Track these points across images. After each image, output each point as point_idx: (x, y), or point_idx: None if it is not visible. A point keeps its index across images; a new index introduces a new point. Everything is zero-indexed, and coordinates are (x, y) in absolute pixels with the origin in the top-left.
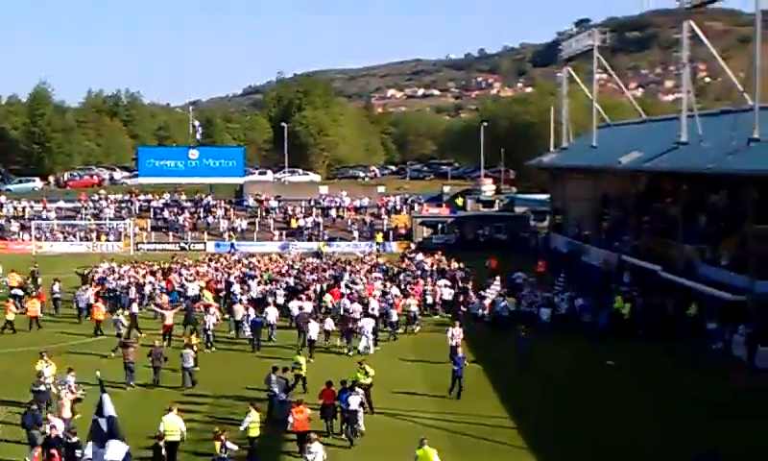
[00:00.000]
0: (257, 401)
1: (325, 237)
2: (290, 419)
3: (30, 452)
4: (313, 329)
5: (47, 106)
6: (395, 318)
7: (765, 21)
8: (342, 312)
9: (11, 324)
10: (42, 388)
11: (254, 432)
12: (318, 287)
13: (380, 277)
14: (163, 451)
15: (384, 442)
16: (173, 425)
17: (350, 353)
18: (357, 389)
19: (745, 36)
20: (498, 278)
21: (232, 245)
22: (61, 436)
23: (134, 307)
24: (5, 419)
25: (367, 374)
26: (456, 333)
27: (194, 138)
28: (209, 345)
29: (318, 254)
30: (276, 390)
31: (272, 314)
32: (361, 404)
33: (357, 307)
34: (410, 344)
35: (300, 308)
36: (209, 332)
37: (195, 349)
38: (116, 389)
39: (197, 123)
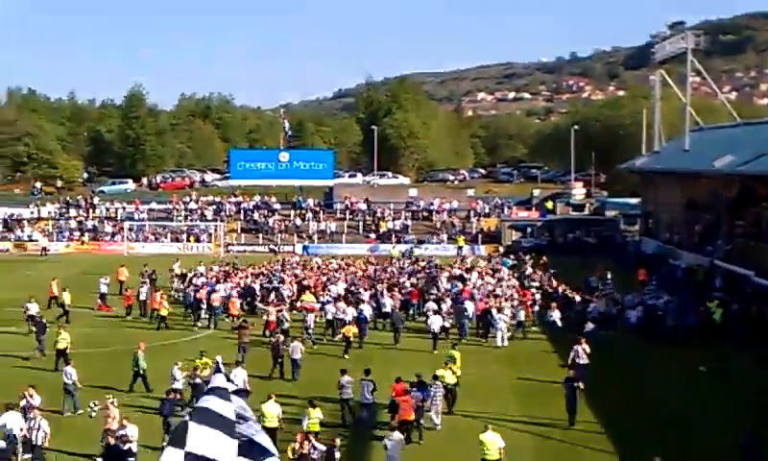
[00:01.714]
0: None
1: (414, 240)
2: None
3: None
4: (436, 322)
5: (141, 109)
6: (522, 317)
7: None
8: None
9: (164, 320)
10: (198, 381)
11: (315, 428)
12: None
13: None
14: None
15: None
16: (271, 413)
17: (492, 344)
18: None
19: None
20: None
21: (305, 248)
22: None
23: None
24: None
25: (453, 373)
26: (582, 351)
27: (285, 141)
28: (312, 342)
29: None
30: (364, 392)
31: (366, 311)
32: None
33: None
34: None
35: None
36: (310, 330)
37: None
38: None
39: (287, 125)
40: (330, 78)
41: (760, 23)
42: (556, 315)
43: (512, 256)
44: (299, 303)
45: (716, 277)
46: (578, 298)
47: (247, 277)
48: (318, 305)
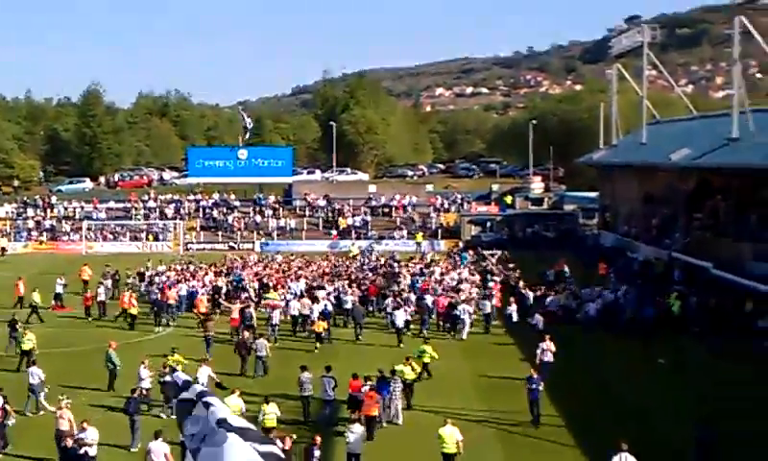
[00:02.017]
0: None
1: (375, 236)
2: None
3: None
4: (400, 317)
5: (98, 107)
6: (488, 310)
7: None
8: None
9: (134, 319)
10: (168, 378)
11: (271, 423)
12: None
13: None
14: None
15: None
16: (234, 406)
17: (456, 337)
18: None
19: None
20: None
21: (264, 245)
22: None
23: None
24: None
25: (413, 369)
26: (547, 347)
27: (243, 137)
28: (275, 339)
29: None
30: (326, 388)
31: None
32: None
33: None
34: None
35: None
36: (276, 328)
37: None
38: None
39: (247, 119)
40: (288, 75)
41: (715, 16)
42: (512, 309)
43: (470, 252)
44: (263, 301)
45: (675, 269)
46: (530, 293)
47: (213, 274)
48: (282, 303)
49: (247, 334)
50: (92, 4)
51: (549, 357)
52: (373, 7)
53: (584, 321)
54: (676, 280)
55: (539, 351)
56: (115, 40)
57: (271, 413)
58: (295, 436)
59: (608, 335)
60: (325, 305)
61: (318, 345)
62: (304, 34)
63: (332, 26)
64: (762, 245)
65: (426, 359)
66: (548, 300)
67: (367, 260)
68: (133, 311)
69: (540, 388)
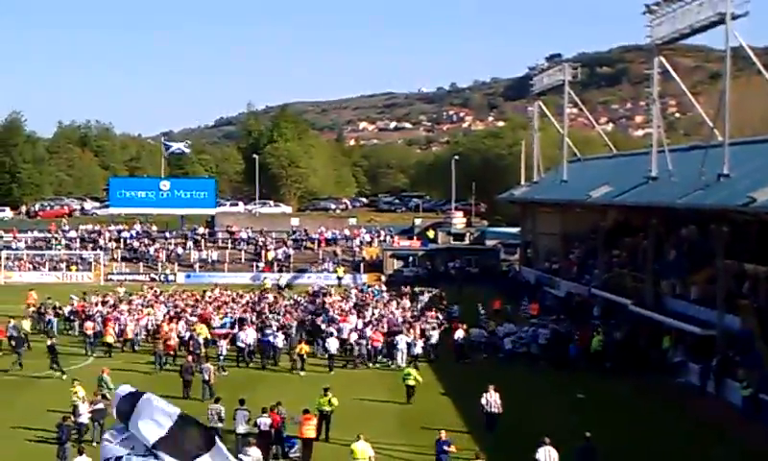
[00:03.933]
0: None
1: (294, 269)
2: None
3: None
4: (332, 343)
5: (19, 136)
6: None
7: (735, 58)
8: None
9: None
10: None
11: None
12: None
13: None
14: None
15: None
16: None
17: (392, 365)
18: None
19: (715, 72)
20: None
21: (167, 276)
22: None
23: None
24: None
25: (330, 402)
26: (492, 398)
27: (166, 166)
28: (223, 369)
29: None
30: (237, 422)
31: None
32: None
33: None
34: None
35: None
36: (221, 357)
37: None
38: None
39: (171, 146)
40: (211, 106)
41: (635, 56)
42: (408, 342)
43: (385, 290)
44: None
45: (594, 305)
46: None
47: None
48: (223, 332)
49: (191, 358)
50: (13, 32)
51: (495, 408)
52: (297, 40)
53: (500, 355)
54: (595, 316)
55: (483, 402)
56: (36, 69)
57: None
58: None
59: (526, 370)
60: (269, 334)
61: (303, 367)
62: (227, 66)
63: (256, 59)
64: (680, 282)
65: (411, 382)
66: (473, 333)
67: (300, 297)
68: (109, 339)
69: (454, 450)
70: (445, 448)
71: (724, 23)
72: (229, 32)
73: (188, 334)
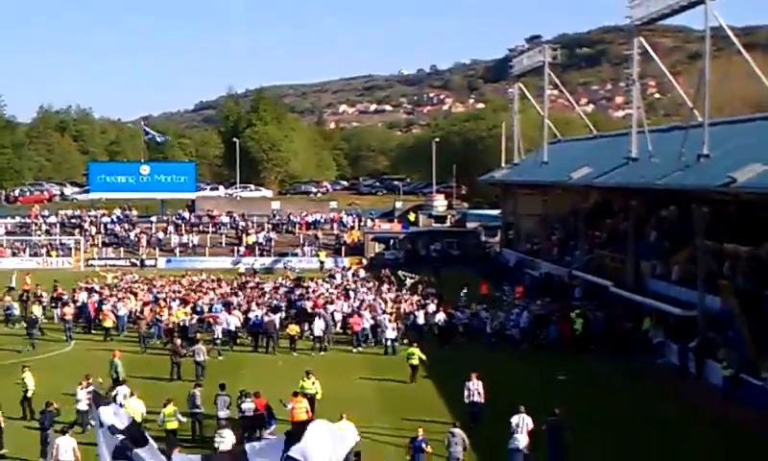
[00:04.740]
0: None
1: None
2: (289, 406)
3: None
4: (318, 325)
5: None
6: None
7: (714, 38)
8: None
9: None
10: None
11: (172, 426)
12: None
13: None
14: None
15: None
16: (134, 408)
17: (354, 351)
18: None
19: (694, 52)
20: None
21: (142, 261)
22: None
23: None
24: None
25: (313, 384)
26: (474, 387)
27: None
28: (219, 353)
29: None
30: (218, 408)
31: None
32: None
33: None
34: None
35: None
36: (218, 341)
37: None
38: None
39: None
40: (191, 90)
41: (615, 37)
42: (390, 327)
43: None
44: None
45: (575, 287)
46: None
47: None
48: (221, 317)
49: (179, 342)
50: None
51: (478, 398)
52: (277, 22)
53: (486, 339)
54: (576, 298)
55: (466, 392)
56: (16, 54)
57: (171, 417)
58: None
59: (507, 352)
60: (257, 316)
61: (294, 348)
62: (207, 49)
63: (235, 42)
64: (660, 263)
65: (414, 362)
66: (456, 316)
67: (282, 279)
68: (108, 324)
69: (429, 450)
70: (423, 446)
71: (704, 3)
72: (209, 15)
73: (185, 319)
